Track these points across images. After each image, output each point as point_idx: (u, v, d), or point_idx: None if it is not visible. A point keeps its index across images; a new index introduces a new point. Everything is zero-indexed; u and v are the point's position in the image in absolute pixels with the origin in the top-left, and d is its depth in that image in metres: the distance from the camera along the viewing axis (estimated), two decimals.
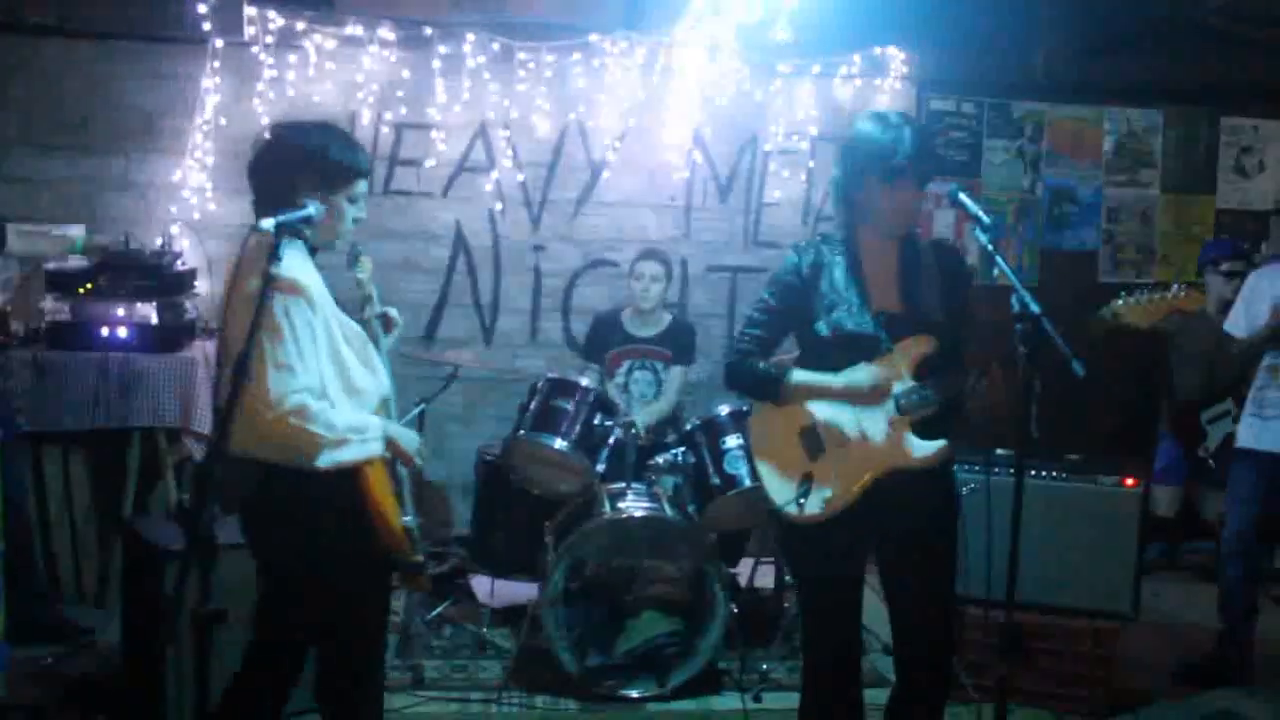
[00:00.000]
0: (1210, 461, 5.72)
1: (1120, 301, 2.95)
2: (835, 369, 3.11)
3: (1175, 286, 2.92)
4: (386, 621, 3.18)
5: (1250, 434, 4.59)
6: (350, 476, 2.81)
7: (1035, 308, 2.71)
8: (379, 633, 3.09)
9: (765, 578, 5.25)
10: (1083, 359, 2.60)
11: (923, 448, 3.05)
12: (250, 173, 2.94)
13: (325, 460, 2.74)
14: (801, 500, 3.09)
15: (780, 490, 3.16)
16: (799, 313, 3.16)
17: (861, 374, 3.07)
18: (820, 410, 3.13)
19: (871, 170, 3.03)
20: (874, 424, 3.08)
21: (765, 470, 3.23)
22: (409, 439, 2.99)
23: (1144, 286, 2.97)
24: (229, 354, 2.78)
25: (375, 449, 2.86)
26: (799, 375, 3.14)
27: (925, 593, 3.13)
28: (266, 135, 2.98)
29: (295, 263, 2.77)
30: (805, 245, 3.21)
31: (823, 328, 3.10)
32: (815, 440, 3.13)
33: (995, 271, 2.82)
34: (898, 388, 3.06)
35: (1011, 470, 2.92)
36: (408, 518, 2.94)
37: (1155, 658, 4.82)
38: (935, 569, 3.12)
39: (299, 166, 2.87)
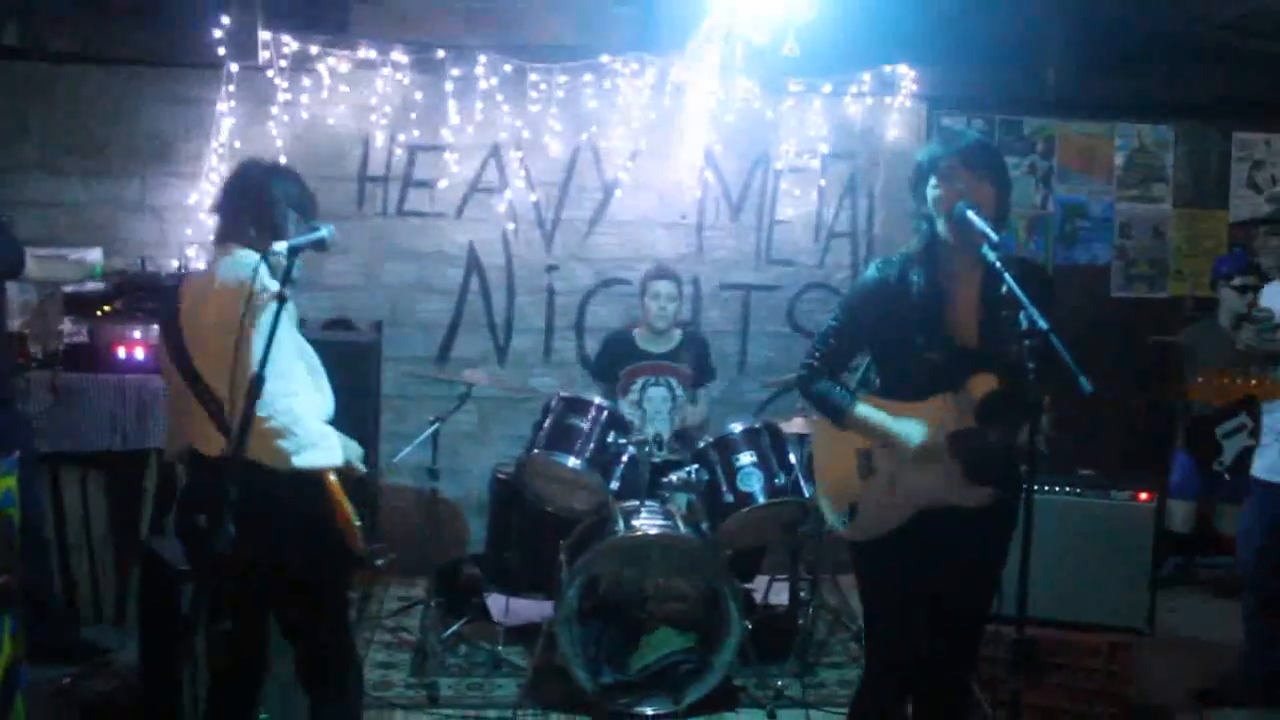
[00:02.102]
0: (1226, 476, 5.69)
1: (1200, 379, 2.89)
2: (905, 393, 3.05)
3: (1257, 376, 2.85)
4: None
5: (1260, 462, 4.48)
6: (319, 481, 3.02)
7: (1043, 324, 2.68)
8: (347, 614, 3.48)
9: (780, 594, 5.25)
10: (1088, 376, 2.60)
11: (973, 490, 2.98)
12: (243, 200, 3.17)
13: (301, 462, 2.95)
14: (846, 522, 3.12)
15: (829, 506, 3.19)
16: (876, 329, 3.11)
17: (916, 432, 2.99)
18: None
19: (931, 170, 3.00)
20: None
21: (820, 482, 3.25)
22: (355, 451, 3.19)
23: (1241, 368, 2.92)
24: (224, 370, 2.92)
25: (338, 457, 3.06)
26: (862, 410, 3.07)
27: (955, 628, 3.12)
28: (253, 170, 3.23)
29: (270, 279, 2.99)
30: (887, 262, 3.10)
31: (897, 352, 3.06)
32: (869, 463, 3.11)
33: (1004, 288, 2.80)
34: (956, 426, 2.97)
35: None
36: (358, 521, 3.11)
37: (1172, 673, 4.78)
38: (967, 609, 3.13)
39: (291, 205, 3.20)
